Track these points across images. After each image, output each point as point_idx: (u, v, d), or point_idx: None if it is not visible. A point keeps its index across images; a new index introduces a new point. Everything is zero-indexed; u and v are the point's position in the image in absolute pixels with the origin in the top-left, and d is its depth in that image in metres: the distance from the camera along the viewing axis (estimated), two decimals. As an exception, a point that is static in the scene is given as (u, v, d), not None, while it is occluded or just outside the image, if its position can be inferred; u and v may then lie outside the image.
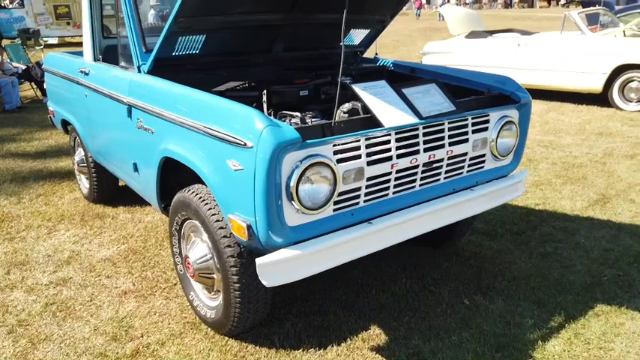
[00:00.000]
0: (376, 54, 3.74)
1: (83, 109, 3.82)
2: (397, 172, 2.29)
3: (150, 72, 2.84)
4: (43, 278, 3.21)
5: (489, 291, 2.88)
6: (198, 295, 2.68)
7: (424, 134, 2.35)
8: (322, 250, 2.06)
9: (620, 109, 7.53)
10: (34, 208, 4.38)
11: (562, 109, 7.82)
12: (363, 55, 3.80)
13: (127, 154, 3.14)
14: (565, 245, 3.42)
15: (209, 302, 2.61)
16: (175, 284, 3.08)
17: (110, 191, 4.32)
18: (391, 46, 16.40)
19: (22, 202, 4.53)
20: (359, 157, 2.14)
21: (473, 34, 9.56)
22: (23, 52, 10.64)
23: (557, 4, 45.88)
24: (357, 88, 2.37)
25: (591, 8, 8.87)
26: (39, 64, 8.67)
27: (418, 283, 2.96)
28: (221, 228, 2.27)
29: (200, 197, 2.39)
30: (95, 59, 3.63)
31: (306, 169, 1.97)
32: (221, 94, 2.74)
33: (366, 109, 2.32)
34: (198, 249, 2.52)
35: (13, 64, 9.27)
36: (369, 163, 2.18)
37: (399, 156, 2.27)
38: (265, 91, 2.64)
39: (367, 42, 3.73)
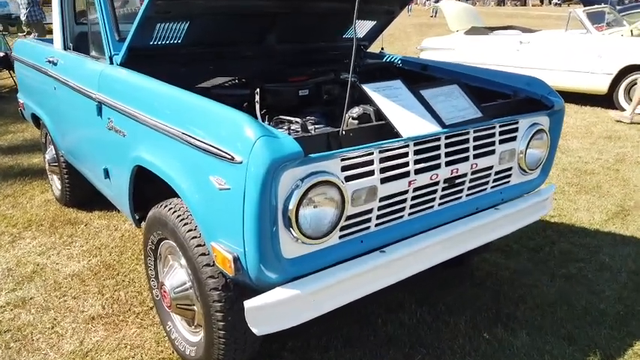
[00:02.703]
0: (382, 49, 3.36)
1: (52, 104, 3.40)
2: (415, 189, 1.92)
3: (124, 63, 2.44)
4: (0, 298, 2.80)
5: (511, 322, 2.52)
6: (177, 326, 2.29)
7: (446, 145, 1.98)
8: (326, 289, 1.68)
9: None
10: (0, 211, 3.95)
11: (566, 110, 7.49)
12: (367, 50, 3.42)
13: (97, 157, 2.73)
14: (589, 266, 3.08)
15: (189, 337, 2.22)
16: (151, 308, 2.69)
17: (84, 194, 3.89)
18: (385, 41, 15.98)
19: (-14, 203, 4.10)
20: (371, 173, 1.77)
21: (473, 31, 9.21)
22: (2, 39, 10.07)
23: (550, 2, 45.72)
24: (369, 89, 1.98)
25: (597, 6, 8.55)
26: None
27: (430, 312, 2.60)
28: (203, 255, 1.89)
29: (178, 216, 2.00)
30: (65, 47, 3.21)
31: (308, 189, 1.59)
32: (206, 91, 2.34)
33: (379, 114, 1.94)
34: (176, 276, 2.13)
35: (-10, 51, 8.74)
36: (382, 181, 1.80)
37: (417, 171, 1.90)
38: (258, 90, 2.25)
39: (372, 35, 3.34)
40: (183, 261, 2.09)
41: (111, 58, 2.49)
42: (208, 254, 1.88)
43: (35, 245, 3.41)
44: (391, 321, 2.52)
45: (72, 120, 3.09)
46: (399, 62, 3.16)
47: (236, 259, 1.64)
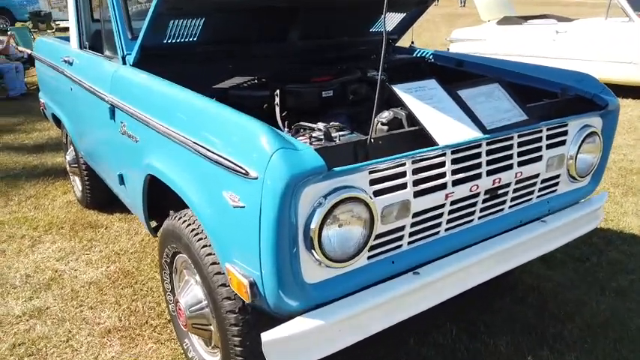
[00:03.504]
0: (412, 42, 3.13)
1: (70, 104, 3.30)
2: (452, 203, 1.72)
3: (137, 64, 2.29)
4: (17, 307, 2.71)
5: (558, 343, 2.29)
6: (195, 345, 2.15)
7: (488, 152, 1.76)
8: (353, 317, 1.49)
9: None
10: (22, 213, 3.90)
11: (607, 103, 7.08)
12: (396, 44, 3.19)
13: (112, 163, 2.61)
14: (641, 278, 2.81)
15: (207, 357, 2.07)
16: (169, 321, 2.55)
17: (104, 196, 3.79)
18: (412, 32, 15.56)
19: (9, 205, 4.05)
20: (403, 186, 1.57)
21: (505, 20, 8.81)
22: (31, 36, 10.17)
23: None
24: (400, 91, 1.78)
25: (640, -8, 8.05)
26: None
27: (467, 331, 2.38)
28: (218, 274, 1.73)
29: (192, 230, 1.84)
30: (81, 46, 3.09)
31: (332, 207, 1.40)
32: (223, 92, 2.18)
33: (411, 119, 1.74)
34: (192, 293, 1.98)
35: (18, 48, 8.81)
36: (416, 194, 1.60)
37: (455, 182, 1.69)
38: (278, 92, 2.06)
39: (401, 28, 3.12)
40: (198, 277, 1.94)
41: (124, 58, 2.35)
42: (224, 273, 1.72)
43: (55, 250, 3.33)
44: (425, 342, 2.31)
45: (88, 122, 2.98)
46: (431, 57, 2.93)
47: (252, 285, 1.47)
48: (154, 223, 2.43)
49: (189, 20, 2.23)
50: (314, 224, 1.40)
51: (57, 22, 14.64)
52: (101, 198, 3.78)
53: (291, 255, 1.41)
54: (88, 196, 3.77)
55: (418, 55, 3.01)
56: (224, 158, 1.48)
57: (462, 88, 1.89)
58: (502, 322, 2.46)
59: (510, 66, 2.49)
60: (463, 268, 1.74)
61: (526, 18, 8.87)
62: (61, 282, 2.95)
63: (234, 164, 1.43)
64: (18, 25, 13.48)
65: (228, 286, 1.71)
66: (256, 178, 1.36)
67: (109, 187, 3.35)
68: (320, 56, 2.75)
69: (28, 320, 2.61)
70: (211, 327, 1.95)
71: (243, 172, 1.40)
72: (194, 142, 1.62)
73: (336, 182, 1.42)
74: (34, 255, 3.27)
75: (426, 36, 14.78)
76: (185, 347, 2.21)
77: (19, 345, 2.42)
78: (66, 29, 15.83)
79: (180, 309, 2.03)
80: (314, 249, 1.43)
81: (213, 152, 1.53)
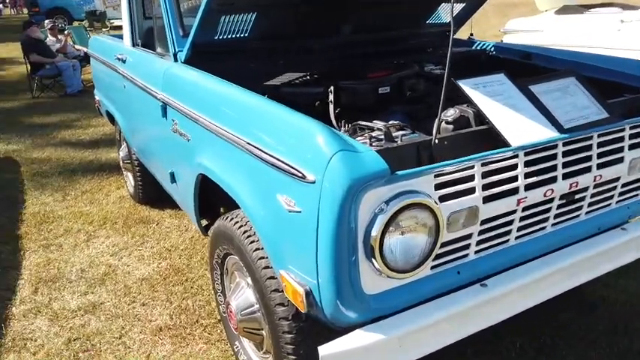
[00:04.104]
0: (471, 34, 2.96)
1: (123, 101, 3.34)
2: (524, 209, 1.57)
3: (189, 61, 2.26)
4: (72, 301, 2.76)
5: (632, 361, 2.10)
6: (246, 349, 2.10)
7: (564, 154, 1.60)
8: (417, 332, 1.39)
9: None
10: (78, 207, 4.00)
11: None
12: (454, 36, 3.02)
13: (163, 160, 2.60)
14: None
15: (257, 362, 2.02)
16: (219, 321, 2.52)
17: (156, 192, 3.83)
18: (471, 23, 15.03)
19: (66, 199, 4.17)
20: (472, 191, 1.44)
21: (565, 10, 8.33)
22: (87, 35, 10.54)
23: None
24: (466, 86, 1.64)
25: None
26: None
27: (531, 344, 2.22)
28: (271, 278, 1.66)
29: (245, 232, 1.78)
30: (134, 44, 3.10)
31: (395, 213, 1.30)
32: (275, 89, 2.11)
33: (479, 117, 1.60)
34: (244, 296, 1.93)
35: (75, 47, 9.14)
36: (485, 200, 1.47)
37: (528, 187, 1.54)
38: (332, 89, 1.97)
39: (460, 19, 2.95)
40: (250, 280, 1.88)
41: (175, 55, 2.32)
42: (277, 278, 1.65)
43: (108, 245, 3.38)
44: (485, 352, 2.17)
45: (140, 119, 2.99)
46: (493, 50, 2.75)
47: (308, 294, 1.39)
48: (203, 222, 2.40)
49: (240, 16, 2.17)
50: (375, 232, 1.30)
51: (111, 21, 15.12)
52: (153, 194, 3.81)
53: (350, 264, 1.31)
54: (140, 192, 3.82)
55: (478, 48, 2.84)
56: (279, 160, 1.40)
57: (534, 83, 1.73)
58: (570, 335, 2.28)
59: (584, 58, 2.29)
60: (535, 281, 1.60)
61: (587, 7, 8.36)
62: (115, 277, 2.99)
63: (290, 166, 1.35)
64: (75, 24, 14.02)
65: (282, 291, 1.64)
66: (314, 182, 1.28)
67: (160, 183, 3.38)
68: (373, 50, 2.63)
69: (83, 315, 2.64)
70: (263, 332, 1.89)
71: (300, 175, 1.31)
72: (247, 143, 1.56)
73: (399, 187, 1.31)
74: (88, 249, 3.34)
75: (475, 28, 14.26)
76: (236, 350, 2.17)
77: (74, 340, 2.46)
78: (119, 27, 16.36)
79: (231, 312, 1.99)
80: (374, 258, 1.33)
81: (267, 153, 1.46)
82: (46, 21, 8.88)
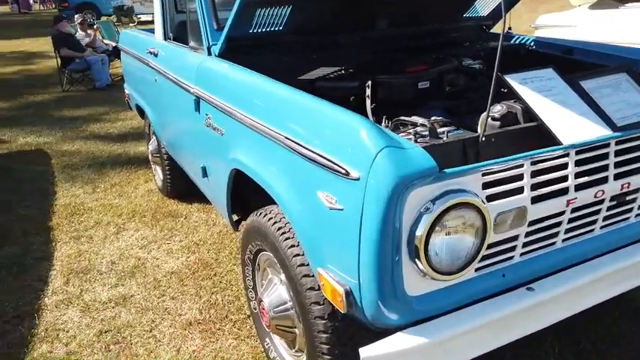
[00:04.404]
0: (509, 28, 2.87)
1: (154, 95, 3.34)
2: (573, 210, 1.50)
3: (222, 54, 2.23)
4: (103, 293, 2.78)
5: (680, 371, 2.01)
6: (276, 346, 2.08)
7: (617, 153, 1.52)
8: (461, 336, 1.34)
9: None
10: (107, 200, 4.04)
11: None
12: (491, 31, 2.94)
13: (195, 155, 2.59)
14: None
15: (289, 360, 2.00)
16: (248, 316, 2.51)
17: (184, 186, 3.84)
18: (510, 16, 14.67)
19: (96, 191, 4.22)
20: (520, 190, 1.38)
21: (599, 4, 8.07)
22: (115, 29, 10.67)
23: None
24: (514, 81, 1.58)
25: None
26: (127, 42, 8.51)
27: (571, 349, 2.15)
28: (307, 276, 1.63)
29: (279, 228, 1.75)
30: (166, 38, 3.10)
31: (441, 213, 1.25)
32: (310, 84, 2.07)
33: (528, 113, 1.54)
34: (276, 293, 1.90)
35: (104, 41, 9.25)
36: (534, 200, 1.41)
37: (578, 187, 1.47)
38: (369, 83, 1.92)
39: (497, 13, 2.86)
40: (283, 276, 1.86)
41: (209, 49, 2.30)
42: (313, 276, 1.62)
43: (138, 238, 3.40)
44: (524, 356, 2.11)
45: (171, 113, 2.99)
46: (532, 44, 2.66)
47: (349, 293, 1.35)
48: (234, 217, 2.39)
49: (275, 9, 2.13)
50: (420, 231, 1.26)
51: (138, 16, 15.31)
52: (181, 188, 3.83)
53: (393, 264, 1.27)
54: (169, 186, 3.84)
55: (517, 42, 2.75)
56: (320, 155, 1.36)
57: (584, 79, 1.66)
58: (611, 340, 2.19)
59: (631, 53, 2.19)
60: (583, 285, 1.53)
61: (623, 1, 8.10)
62: (144, 270, 3.00)
63: (333, 163, 1.31)
64: (103, 19, 14.23)
65: (318, 290, 1.60)
66: (358, 179, 1.24)
67: (189, 177, 3.38)
68: (408, 45, 2.57)
69: (113, 307, 2.66)
70: (296, 330, 1.86)
71: (343, 171, 1.27)
72: (286, 137, 1.52)
73: (446, 185, 1.26)
74: (118, 242, 3.36)
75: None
76: (266, 347, 2.14)
77: (106, 332, 2.47)
78: (145, 22, 16.58)
79: (263, 308, 1.96)
80: (418, 259, 1.28)
81: (307, 149, 1.42)
82: (76, 15, 9.01)
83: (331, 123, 1.40)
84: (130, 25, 13.68)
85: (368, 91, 1.91)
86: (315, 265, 1.50)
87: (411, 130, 1.54)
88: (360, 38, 2.52)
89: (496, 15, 2.83)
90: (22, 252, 3.24)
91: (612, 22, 7.61)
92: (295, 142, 1.48)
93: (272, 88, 1.72)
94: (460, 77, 2.12)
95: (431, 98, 1.99)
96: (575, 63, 2.27)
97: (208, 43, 2.29)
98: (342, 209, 1.31)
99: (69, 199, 4.05)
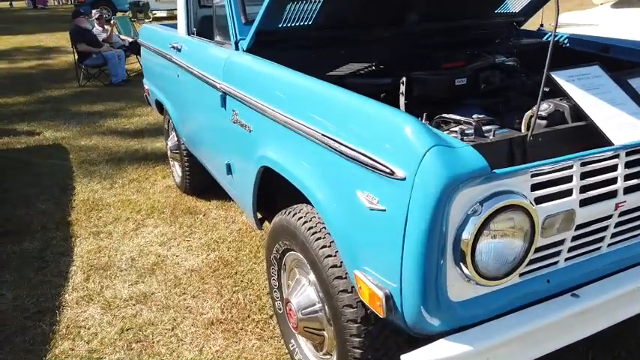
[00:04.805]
0: (541, 25, 2.79)
1: (175, 91, 3.31)
2: (621, 214, 1.44)
3: (250, 49, 2.19)
4: (124, 290, 2.76)
5: None
6: (302, 348, 2.03)
7: (669, 155, 1.45)
8: (505, 344, 1.28)
9: None
10: (126, 195, 4.03)
11: None
12: (522, 27, 2.87)
13: (219, 151, 2.55)
14: None
15: (316, 363, 1.95)
16: (271, 316, 2.47)
17: (203, 183, 3.81)
18: (542, 13, 14.46)
19: (114, 187, 4.20)
20: (569, 193, 1.32)
21: (622, 3, 7.92)
22: (131, 25, 10.69)
23: None
24: (560, 78, 1.51)
25: None
26: (144, 38, 8.50)
27: (605, 356, 2.08)
28: (339, 278, 1.58)
29: (310, 228, 1.71)
30: (189, 32, 3.06)
31: (490, 215, 1.19)
32: (339, 80, 2.02)
33: (576, 112, 1.47)
34: (304, 294, 1.86)
35: (121, 37, 9.27)
36: (582, 203, 1.35)
37: (627, 190, 1.41)
38: (404, 80, 1.86)
39: (529, 10, 2.79)
40: (312, 276, 1.81)
41: (236, 44, 2.26)
42: (346, 278, 1.57)
43: (157, 234, 3.38)
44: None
45: (194, 109, 2.95)
46: (566, 41, 2.59)
47: (389, 298, 1.30)
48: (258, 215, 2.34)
49: (306, 4, 2.08)
50: (466, 235, 1.20)
51: (153, 12, 15.34)
52: (200, 184, 3.80)
53: (438, 268, 1.22)
54: (187, 182, 3.81)
55: (549, 39, 2.66)
56: (361, 154, 1.31)
57: (632, 77, 1.59)
58: (648, 349, 2.12)
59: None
60: (629, 292, 1.46)
61: (647, 0, 7.94)
62: (164, 268, 2.97)
63: (375, 161, 1.26)
64: (119, 14, 14.27)
65: (351, 292, 1.56)
66: (403, 179, 1.18)
67: (208, 174, 3.34)
68: (439, 41, 2.51)
69: (134, 305, 2.63)
70: (324, 332, 1.82)
71: (387, 171, 1.22)
72: (323, 135, 1.47)
73: (495, 186, 1.21)
74: (137, 238, 3.34)
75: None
76: (291, 348, 2.10)
77: (127, 330, 2.44)
78: (160, 18, 16.59)
79: (290, 310, 1.92)
80: (464, 263, 1.23)
81: (347, 146, 1.37)
82: (94, 11, 9.03)
83: (374, 120, 1.34)
84: (146, 20, 13.71)
85: (402, 88, 1.86)
86: (351, 266, 1.45)
87: (455, 129, 1.48)
88: (390, 34, 2.46)
89: (529, 11, 2.75)
90: (42, 247, 3.23)
91: (636, 21, 7.46)
92: (333, 140, 1.43)
93: (308, 84, 1.67)
94: (496, 74, 2.05)
95: (466, 96, 1.93)
96: (613, 61, 2.19)
97: (236, 37, 2.24)
98: (384, 210, 1.26)
99: (87, 194, 4.04)
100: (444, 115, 1.60)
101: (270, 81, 1.87)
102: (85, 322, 2.51)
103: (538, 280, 1.38)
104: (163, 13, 19.95)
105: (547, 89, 1.65)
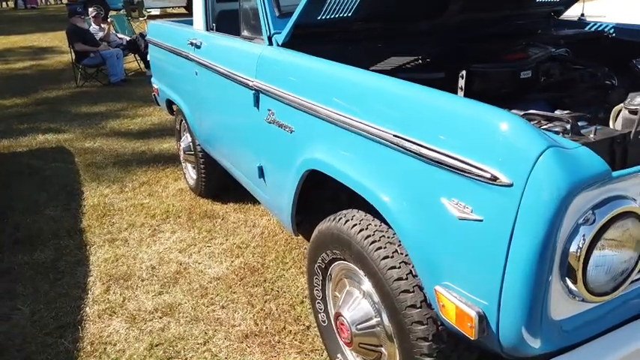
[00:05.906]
0: (582, 14, 2.66)
1: (192, 90, 3.15)
2: None
3: (284, 44, 2.04)
4: (147, 302, 2.60)
5: None
6: (351, 363, 1.89)
7: None
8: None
9: None
10: (137, 200, 3.86)
11: None
12: (560, 17, 2.74)
13: (249, 153, 2.39)
14: None
15: (369, 380, 1.81)
16: (308, 327, 2.33)
17: (220, 185, 3.66)
18: (583, 2, 14.26)
19: (124, 191, 4.04)
20: (678, 196, 1.19)
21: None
22: (128, 23, 10.46)
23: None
24: (652, 70, 1.37)
25: None
26: (142, 35, 8.32)
27: None
28: (406, 292, 1.44)
29: (367, 236, 1.56)
30: (208, 28, 2.90)
31: (605, 224, 1.05)
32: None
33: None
34: (359, 307, 1.71)
35: (118, 35, 9.06)
36: (691, 207, 1.21)
37: None
38: (463, 73, 1.72)
39: (569, -1, 2.65)
40: (365, 287, 1.67)
41: (270, 39, 2.10)
42: (414, 292, 1.43)
43: (175, 240, 3.22)
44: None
45: (217, 109, 2.79)
46: (613, 32, 2.45)
47: (482, 318, 1.16)
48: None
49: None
50: (575, 246, 1.06)
51: (148, 10, 15.08)
52: (217, 187, 3.65)
53: (546, 285, 1.08)
54: (203, 185, 3.65)
55: (592, 29, 2.54)
56: (450, 157, 1.17)
57: None
58: None
59: None
60: None
61: (653, -11, 7.85)
62: (188, 276, 2.82)
63: (471, 165, 1.12)
64: (112, 13, 14.01)
65: (420, 307, 1.42)
66: (510, 186, 1.04)
67: (226, 176, 3.18)
68: (481, 33, 2.36)
69: (161, 317, 2.48)
70: (382, 349, 1.68)
71: (488, 176, 1.08)
72: (394, 135, 1.32)
73: (607, 191, 1.07)
74: (155, 245, 3.18)
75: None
76: (339, 364, 1.96)
77: (157, 345, 2.29)
78: (154, 17, 16.31)
79: (342, 324, 1.78)
80: (571, 278, 1.09)
81: (428, 148, 1.23)
82: (90, 9, 8.80)
83: (466, 120, 1.19)
84: (140, 19, 13.46)
85: (461, 82, 1.71)
86: (432, 282, 1.30)
87: (557, 127, 1.33)
88: (426, 27, 2.32)
89: (569, 1, 2.62)
90: (55, 256, 3.07)
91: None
92: (410, 141, 1.28)
93: (374, 81, 1.51)
94: (555, 66, 1.91)
95: (530, 90, 1.79)
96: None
97: (269, 32, 2.09)
98: (480, 220, 1.12)
99: (97, 199, 3.87)
100: (531, 111, 1.45)
101: (323, 78, 1.72)
102: (110, 338, 2.35)
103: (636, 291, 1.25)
104: (157, 12, 19.68)
105: (615, 82, 1.52)
